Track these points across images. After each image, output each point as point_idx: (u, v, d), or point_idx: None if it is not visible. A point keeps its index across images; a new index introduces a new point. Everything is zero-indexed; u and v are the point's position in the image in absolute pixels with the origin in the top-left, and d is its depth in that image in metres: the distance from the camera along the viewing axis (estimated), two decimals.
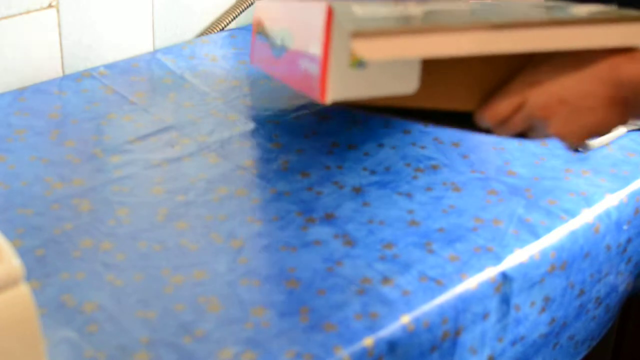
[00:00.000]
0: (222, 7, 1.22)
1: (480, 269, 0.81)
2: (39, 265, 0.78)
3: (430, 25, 0.69)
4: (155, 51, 1.14)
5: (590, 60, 0.70)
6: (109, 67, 1.10)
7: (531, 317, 0.86)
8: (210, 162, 0.93)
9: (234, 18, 1.21)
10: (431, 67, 0.76)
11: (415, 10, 0.73)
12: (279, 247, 0.82)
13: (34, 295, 0.74)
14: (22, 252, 0.79)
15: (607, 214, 0.90)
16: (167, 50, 1.15)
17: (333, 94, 0.73)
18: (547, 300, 0.87)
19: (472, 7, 0.76)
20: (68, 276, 0.78)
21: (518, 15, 0.73)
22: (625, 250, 0.94)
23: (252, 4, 1.22)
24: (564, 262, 0.87)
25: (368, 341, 0.73)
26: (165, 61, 1.12)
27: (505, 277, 0.82)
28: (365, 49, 0.66)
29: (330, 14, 0.73)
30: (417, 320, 0.76)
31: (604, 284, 0.94)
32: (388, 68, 0.75)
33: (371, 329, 0.74)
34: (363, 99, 0.76)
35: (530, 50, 0.70)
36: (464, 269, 0.81)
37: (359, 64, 0.74)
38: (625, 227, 0.92)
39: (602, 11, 0.75)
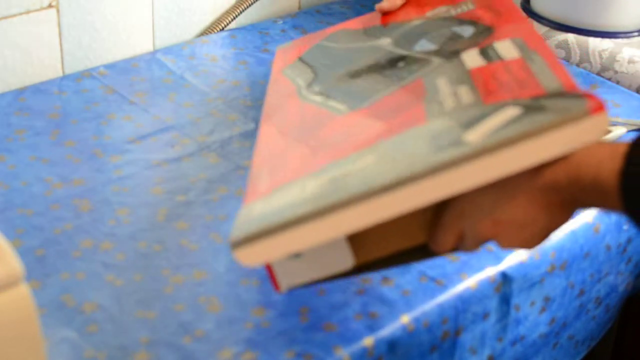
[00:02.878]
0: (222, 7, 1.22)
1: (480, 269, 0.81)
2: (39, 265, 0.78)
3: (311, 210, 0.65)
4: (155, 51, 1.14)
5: (508, 179, 0.65)
6: (109, 67, 1.10)
7: (531, 317, 0.86)
8: (210, 162, 0.93)
9: (234, 18, 1.21)
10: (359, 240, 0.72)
11: (313, 184, 0.68)
12: None
13: (34, 295, 0.74)
14: (22, 252, 0.79)
15: (608, 213, 0.90)
16: (167, 50, 1.15)
17: (285, 284, 0.72)
18: (547, 300, 0.87)
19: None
20: (68, 276, 0.78)
21: (414, 164, 0.66)
22: (625, 250, 0.94)
23: (252, 4, 1.22)
24: (564, 262, 0.87)
25: (368, 341, 0.73)
26: (165, 61, 1.12)
27: (505, 277, 0.82)
28: (246, 256, 0.65)
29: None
30: (417, 320, 0.76)
31: (604, 284, 0.94)
32: (318, 251, 0.71)
33: (371, 329, 0.74)
34: (319, 279, 0.73)
35: (434, 200, 0.65)
36: (464, 269, 0.81)
37: (295, 255, 0.71)
38: (625, 227, 0.92)
39: (503, 126, 0.66)
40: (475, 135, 0.65)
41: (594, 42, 1.21)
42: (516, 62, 0.74)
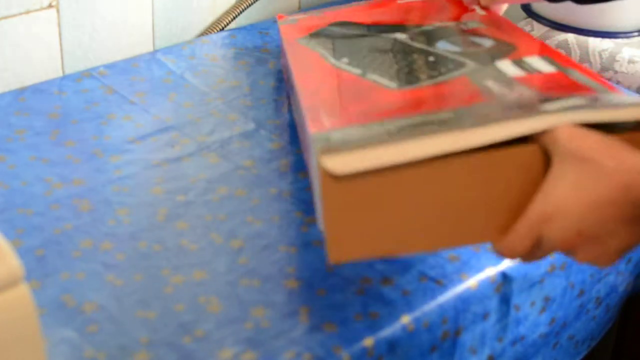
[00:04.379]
0: (222, 7, 1.22)
1: (480, 269, 0.81)
2: (39, 265, 0.78)
3: (398, 136, 0.66)
4: (155, 51, 1.14)
5: (599, 187, 0.64)
6: (109, 67, 1.10)
7: (531, 317, 0.86)
8: (210, 162, 0.93)
9: (234, 18, 1.21)
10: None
11: (391, 125, 0.69)
12: (279, 247, 0.82)
13: (34, 295, 0.74)
14: (22, 252, 0.79)
15: None
16: (167, 50, 1.15)
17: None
18: (547, 300, 0.87)
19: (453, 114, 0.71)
20: (68, 276, 0.78)
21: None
22: None
23: (252, 4, 1.22)
24: (563, 262, 0.87)
25: (368, 341, 0.73)
26: (165, 61, 1.12)
27: (505, 277, 0.82)
28: (335, 163, 0.64)
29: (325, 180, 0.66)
30: (417, 320, 0.76)
31: (604, 284, 0.94)
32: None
33: (371, 329, 0.74)
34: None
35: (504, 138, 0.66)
36: (464, 269, 0.81)
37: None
38: None
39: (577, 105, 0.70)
40: (554, 107, 0.68)
41: (594, 42, 1.21)
42: (556, 74, 0.77)
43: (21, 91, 1.04)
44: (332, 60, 0.85)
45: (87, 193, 0.88)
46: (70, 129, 0.98)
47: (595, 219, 0.65)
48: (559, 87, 0.73)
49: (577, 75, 0.75)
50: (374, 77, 0.80)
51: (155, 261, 0.80)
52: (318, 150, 0.65)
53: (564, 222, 0.65)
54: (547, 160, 0.67)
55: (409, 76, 0.80)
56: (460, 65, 0.80)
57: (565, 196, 0.65)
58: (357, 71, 0.82)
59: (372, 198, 0.66)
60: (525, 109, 0.68)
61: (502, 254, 0.69)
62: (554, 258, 0.86)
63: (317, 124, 0.71)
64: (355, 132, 0.68)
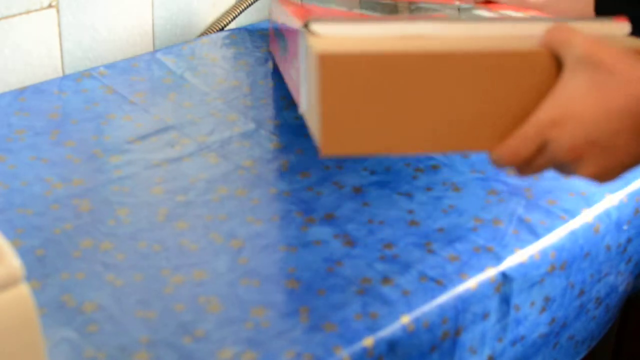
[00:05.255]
0: (222, 7, 1.22)
1: (480, 269, 0.81)
2: (39, 265, 0.78)
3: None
4: (155, 51, 1.14)
5: (615, 95, 0.62)
6: (109, 67, 1.10)
7: (531, 317, 0.86)
8: (210, 162, 0.93)
9: (234, 18, 1.21)
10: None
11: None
12: (279, 247, 0.82)
13: (34, 295, 0.74)
14: (22, 252, 0.79)
15: (607, 214, 0.90)
16: (167, 50, 1.15)
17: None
18: (547, 300, 0.87)
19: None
20: (68, 276, 0.78)
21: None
22: (625, 250, 0.94)
23: (252, 4, 1.22)
24: (564, 262, 0.87)
25: (368, 341, 0.73)
26: (165, 61, 1.12)
27: (505, 277, 0.82)
28: (326, 35, 0.64)
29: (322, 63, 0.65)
30: (417, 320, 0.76)
31: (604, 284, 0.94)
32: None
33: (371, 329, 0.74)
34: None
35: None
36: (464, 269, 0.81)
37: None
38: (625, 227, 0.92)
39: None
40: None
41: None
42: (528, 17, 0.82)
43: (21, 91, 1.04)
44: (323, 4, 0.89)
45: (87, 193, 0.88)
46: (70, 129, 0.98)
47: (609, 128, 0.62)
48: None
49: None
50: (360, 10, 0.85)
51: (155, 261, 0.80)
52: (308, 26, 0.66)
53: (576, 127, 0.62)
54: (556, 67, 0.65)
55: (392, 11, 0.84)
56: (440, 9, 0.84)
57: (580, 101, 0.62)
58: (344, 8, 0.86)
59: (367, 83, 0.64)
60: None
61: (501, 159, 0.65)
62: (554, 258, 0.86)
63: (303, 14, 0.73)
64: (342, 21, 0.70)
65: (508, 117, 0.66)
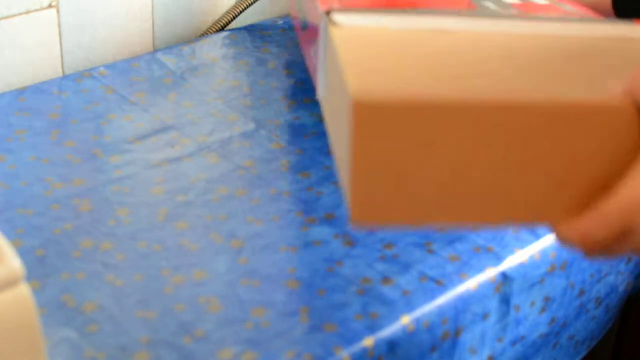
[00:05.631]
0: (222, 7, 1.22)
1: (480, 269, 0.81)
2: (39, 265, 0.78)
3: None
4: (155, 51, 1.14)
5: None
6: (109, 67, 1.10)
7: (531, 317, 0.86)
8: (210, 162, 0.93)
9: (234, 18, 1.21)
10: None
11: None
12: (279, 247, 0.82)
13: (34, 295, 0.74)
14: (22, 252, 0.79)
15: None
16: (167, 50, 1.15)
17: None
18: (547, 300, 0.87)
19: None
20: (68, 276, 0.78)
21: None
22: None
23: (252, 4, 1.22)
24: (564, 262, 0.87)
25: (368, 341, 0.73)
26: (165, 61, 1.12)
27: (505, 277, 0.82)
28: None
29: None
30: (417, 320, 0.76)
31: (604, 284, 0.94)
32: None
33: (371, 329, 0.74)
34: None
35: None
36: (464, 269, 0.81)
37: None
38: None
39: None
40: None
41: None
42: (549, 5, 0.75)
43: (21, 91, 1.04)
44: None
45: (87, 193, 0.88)
46: (70, 129, 0.98)
47: None
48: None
49: (567, 8, 0.74)
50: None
51: (155, 261, 0.80)
52: (330, 16, 0.60)
53: None
54: None
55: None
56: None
57: None
58: None
59: (412, 137, 0.52)
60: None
61: (569, 239, 0.53)
62: (554, 258, 0.86)
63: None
64: (365, 12, 0.63)
65: (579, 184, 0.54)
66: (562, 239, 0.54)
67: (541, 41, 0.62)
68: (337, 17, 0.64)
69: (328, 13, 0.65)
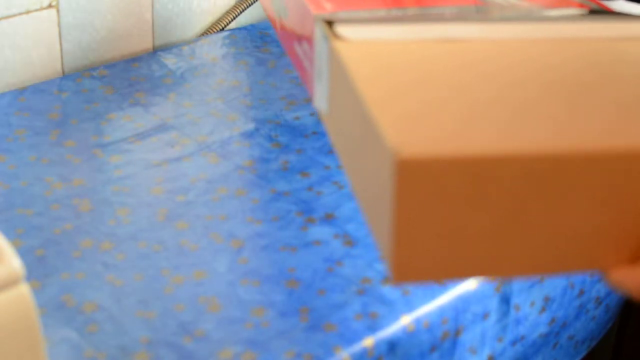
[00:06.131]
0: (222, 7, 1.22)
1: None
2: (39, 265, 0.78)
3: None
4: (155, 51, 1.14)
5: None
6: (109, 67, 1.10)
7: (531, 317, 0.86)
8: (210, 162, 0.93)
9: (234, 18, 1.21)
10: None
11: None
12: (279, 247, 0.82)
13: (34, 295, 0.74)
14: (22, 252, 0.79)
15: None
16: (167, 50, 1.15)
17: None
18: (547, 300, 0.87)
19: None
20: (68, 276, 0.78)
21: None
22: None
23: (252, 4, 1.22)
24: None
25: (368, 341, 0.73)
26: (165, 61, 1.12)
27: None
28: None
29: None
30: (417, 320, 0.76)
31: (604, 284, 0.94)
32: None
33: (371, 329, 0.74)
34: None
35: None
36: None
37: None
38: None
39: None
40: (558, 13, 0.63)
41: None
42: None
43: (21, 91, 1.04)
44: None
45: (87, 193, 0.88)
46: (70, 129, 0.98)
47: None
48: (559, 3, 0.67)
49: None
50: None
51: (155, 261, 0.80)
52: (333, 28, 0.56)
53: None
54: None
55: None
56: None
57: None
58: None
59: (458, 192, 0.48)
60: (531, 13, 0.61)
61: (623, 285, 0.51)
62: None
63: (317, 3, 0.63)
64: (370, 21, 0.59)
65: (635, 229, 0.50)
66: (615, 284, 0.52)
67: (563, 50, 0.59)
68: (341, 29, 0.60)
69: (330, 24, 0.61)
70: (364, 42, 0.59)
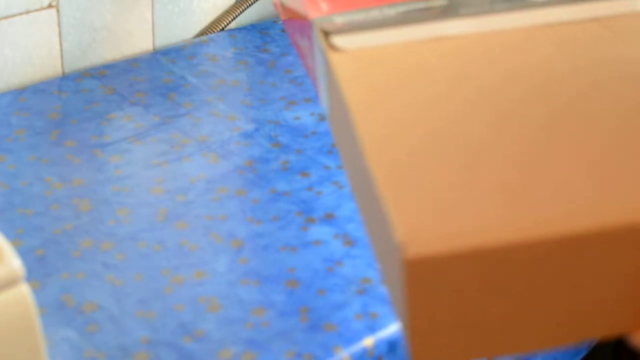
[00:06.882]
0: (222, 7, 1.22)
1: None
2: (39, 265, 0.78)
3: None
4: (155, 51, 1.14)
5: None
6: (109, 67, 1.10)
7: None
8: (210, 162, 0.93)
9: (234, 18, 1.21)
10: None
11: None
12: (279, 247, 0.82)
13: (34, 295, 0.74)
14: (22, 252, 0.79)
15: None
16: (167, 50, 1.15)
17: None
18: None
19: None
20: (68, 276, 0.78)
21: None
22: None
23: (252, 4, 1.22)
24: None
25: (368, 341, 0.73)
26: (165, 61, 1.12)
27: None
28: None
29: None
30: None
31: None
32: None
33: (371, 329, 0.74)
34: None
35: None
36: None
37: None
38: None
39: None
40: None
41: None
42: None
43: (21, 91, 1.04)
44: None
45: (87, 193, 0.88)
46: (70, 129, 0.98)
47: None
48: None
49: None
50: None
51: (155, 261, 0.80)
52: (329, 39, 0.56)
53: None
54: None
55: None
56: None
57: None
58: None
59: (469, 284, 0.47)
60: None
61: None
62: None
63: (314, 5, 0.63)
64: (364, 28, 0.58)
65: None
66: (637, 345, 0.51)
67: (563, 51, 0.58)
68: (337, 40, 0.59)
69: (327, 34, 0.61)
70: (359, 52, 0.59)
